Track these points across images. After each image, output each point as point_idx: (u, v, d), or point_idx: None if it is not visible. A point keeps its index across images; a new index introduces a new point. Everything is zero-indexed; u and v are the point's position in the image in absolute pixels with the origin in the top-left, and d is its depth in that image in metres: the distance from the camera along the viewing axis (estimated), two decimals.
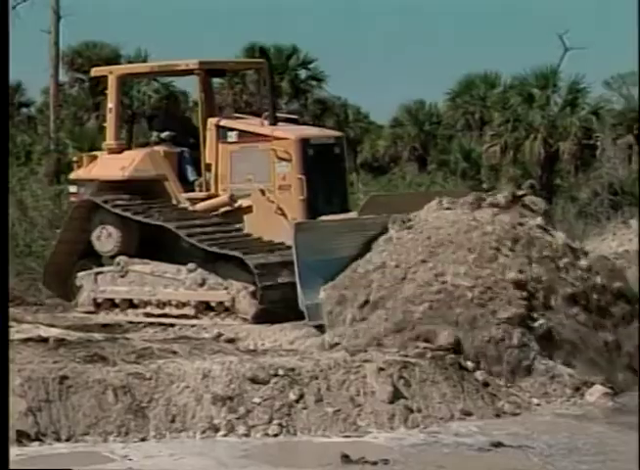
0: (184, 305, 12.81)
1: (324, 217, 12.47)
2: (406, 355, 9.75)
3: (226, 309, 12.60)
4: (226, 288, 12.62)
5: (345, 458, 7.84)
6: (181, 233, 12.82)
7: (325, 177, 13.07)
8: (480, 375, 9.91)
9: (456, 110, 37.49)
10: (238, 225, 13.15)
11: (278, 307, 12.10)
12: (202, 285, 12.80)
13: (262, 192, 12.98)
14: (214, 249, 12.60)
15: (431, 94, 47.18)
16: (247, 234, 13.04)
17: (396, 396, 9.18)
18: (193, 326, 12.58)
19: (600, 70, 49.14)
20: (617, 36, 57.18)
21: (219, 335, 11.76)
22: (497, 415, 9.44)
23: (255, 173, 13.07)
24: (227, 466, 7.91)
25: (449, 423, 9.00)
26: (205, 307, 12.77)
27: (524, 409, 9.63)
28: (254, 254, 12.42)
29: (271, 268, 12.23)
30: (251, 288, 12.38)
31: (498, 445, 8.33)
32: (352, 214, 12.66)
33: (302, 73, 34.66)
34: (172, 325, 12.73)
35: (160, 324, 12.85)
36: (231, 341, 11.46)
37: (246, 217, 13.14)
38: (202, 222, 13.10)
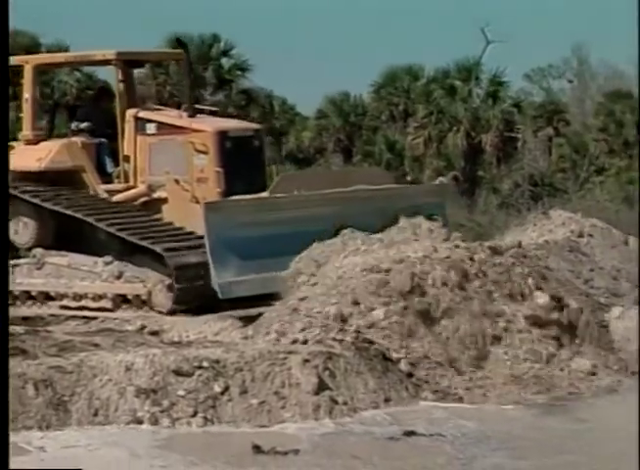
0: (101, 297, 12.73)
1: (234, 197, 12.51)
2: (331, 347, 9.76)
3: (143, 302, 12.56)
4: (143, 281, 12.58)
5: (256, 449, 7.84)
6: (91, 220, 12.77)
7: (243, 170, 13.10)
8: (404, 366, 9.96)
9: (380, 101, 37.66)
10: (157, 216, 13.16)
11: (195, 299, 12.15)
12: (119, 278, 12.73)
13: (177, 181, 13.00)
14: (132, 239, 12.57)
15: (355, 86, 47.32)
16: (166, 223, 13.04)
17: (321, 387, 9.18)
18: (116, 319, 12.47)
19: (521, 62, 49.73)
20: (538, 29, 57.94)
21: (143, 327, 11.68)
22: (420, 405, 9.49)
23: (174, 166, 13.09)
24: (139, 457, 7.86)
25: (369, 413, 9.03)
26: (122, 300, 12.70)
27: (448, 400, 9.70)
28: (172, 248, 12.42)
29: (189, 264, 12.25)
30: (168, 281, 12.37)
31: (410, 433, 8.38)
32: (264, 194, 12.70)
33: (226, 63, 34.47)
34: (94, 318, 12.61)
35: (83, 317, 12.72)
36: (155, 333, 11.39)
37: (164, 207, 13.15)
38: (119, 213, 13.06)
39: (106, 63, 13.79)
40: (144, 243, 12.44)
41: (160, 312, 12.33)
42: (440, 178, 15.44)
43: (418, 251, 11.67)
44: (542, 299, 11.56)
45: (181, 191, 12.92)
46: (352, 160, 36.39)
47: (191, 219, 12.59)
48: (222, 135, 12.98)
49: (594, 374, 10.82)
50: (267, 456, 7.72)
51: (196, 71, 33.36)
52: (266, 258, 11.89)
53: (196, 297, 12.12)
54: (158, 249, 12.31)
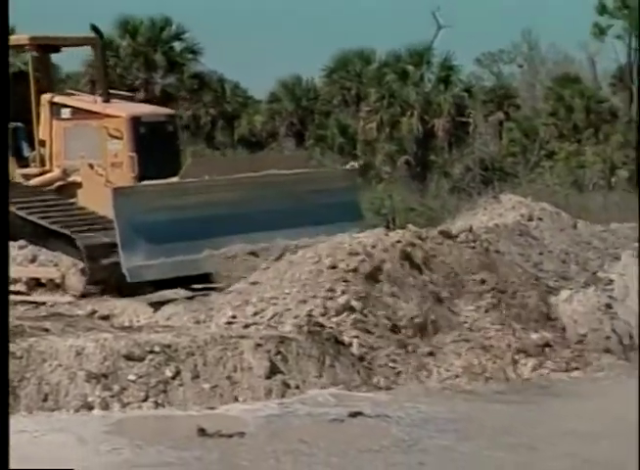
0: (16, 281, 12.74)
1: (144, 182, 12.67)
2: (283, 331, 9.77)
3: (57, 286, 12.61)
4: (56, 264, 12.64)
5: (202, 432, 7.84)
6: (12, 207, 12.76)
7: (157, 154, 13.25)
8: (356, 349, 10.00)
9: (333, 85, 37.64)
10: (71, 200, 13.29)
11: (108, 280, 12.25)
12: (33, 261, 12.77)
13: (91, 166, 13.11)
14: (43, 222, 12.63)
15: (307, 70, 47.24)
16: (79, 207, 13.14)
17: (273, 371, 9.19)
18: (66, 303, 12.43)
19: (471, 47, 49.91)
20: (489, 14, 58.16)
21: (93, 312, 11.62)
22: (372, 389, 9.53)
23: (88, 150, 13.26)
24: (86, 442, 7.82)
25: (319, 395, 9.06)
26: (36, 284, 12.74)
27: (399, 384, 9.75)
28: (82, 230, 12.52)
29: (99, 244, 12.35)
30: (81, 265, 12.45)
31: (356, 414, 8.41)
32: (174, 179, 12.85)
33: (178, 46, 34.26)
34: (44, 303, 12.55)
35: (33, 302, 12.65)
36: (105, 318, 11.33)
37: (78, 192, 13.26)
38: (33, 197, 13.12)
39: (20, 47, 13.78)
40: (54, 227, 12.56)
41: (74, 296, 12.39)
42: (352, 163, 15.68)
43: (369, 237, 11.71)
44: (488, 283, 11.66)
45: (95, 175, 13.09)
46: (305, 144, 36.37)
47: (104, 204, 12.67)
48: (136, 120, 13.16)
49: (542, 357, 10.94)
50: (212, 439, 7.71)
51: (147, 54, 33.11)
52: (176, 242, 12.10)
53: (108, 277, 12.23)
54: (67, 231, 12.43)
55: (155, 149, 13.17)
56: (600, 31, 37.25)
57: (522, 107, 39.32)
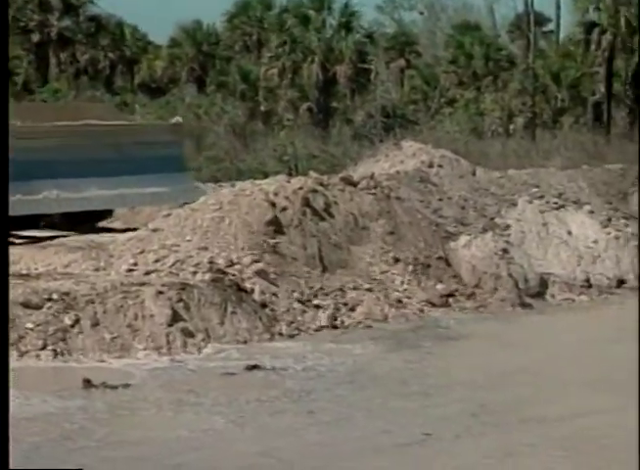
0: None
1: None
2: (185, 278, 9.73)
3: None
4: None
5: (87, 383, 7.76)
6: None
7: None
8: (258, 296, 10.00)
9: (234, 31, 37.28)
10: None
11: None
12: None
13: None
14: None
15: (208, 14, 46.57)
16: None
17: (175, 318, 9.15)
18: None
19: None
20: None
21: None
22: (274, 337, 9.56)
23: None
24: None
25: (219, 345, 9.04)
26: None
27: (302, 331, 9.79)
28: None
29: None
30: None
31: (254, 367, 8.38)
32: None
33: None
34: None
35: None
36: None
37: None
38: None
39: None
40: None
41: None
42: (177, 118, 15.89)
43: (271, 184, 11.69)
44: (389, 229, 11.77)
45: None
46: (206, 90, 35.99)
47: None
48: None
49: (444, 303, 11.11)
50: (97, 390, 7.63)
51: None
52: None
53: None
54: None
55: None
56: None
57: (422, 54, 39.50)
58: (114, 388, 7.73)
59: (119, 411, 7.11)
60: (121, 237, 11.44)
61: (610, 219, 13.48)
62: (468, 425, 6.78)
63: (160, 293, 9.26)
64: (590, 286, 12.63)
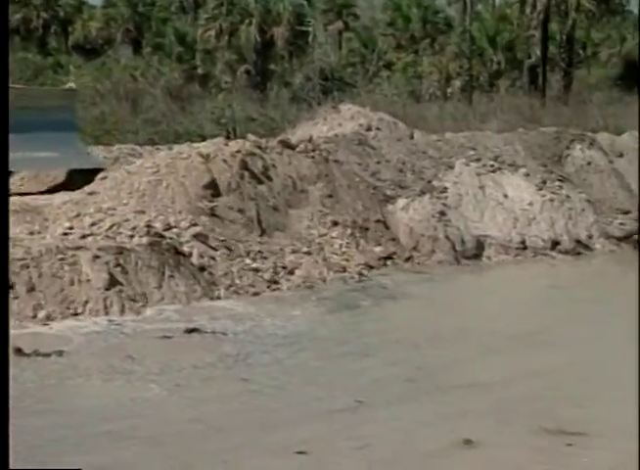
0: None
1: None
2: (123, 242, 9.65)
3: None
4: None
5: (18, 352, 7.58)
6: None
7: None
8: (196, 260, 9.97)
9: None
10: None
11: None
12: None
13: None
14: None
15: None
16: None
17: (112, 283, 9.08)
18: None
19: None
20: None
21: None
22: (213, 300, 9.54)
23: None
24: None
25: (158, 309, 8.99)
26: None
27: (240, 295, 9.79)
28: None
29: None
30: None
31: (192, 331, 8.35)
32: None
33: None
34: None
35: None
36: None
37: None
38: None
39: None
40: None
41: None
42: (70, 84, 15.96)
43: (208, 146, 11.63)
44: (327, 192, 11.79)
45: None
46: (142, 52, 35.57)
47: None
48: None
49: (382, 265, 11.18)
50: (29, 359, 7.48)
51: None
52: None
53: None
54: None
55: None
56: None
57: (360, 17, 39.41)
58: (47, 355, 7.60)
59: (49, 381, 6.97)
60: (57, 200, 11.31)
61: (545, 182, 13.64)
62: (402, 390, 6.80)
63: (97, 257, 9.17)
64: (525, 248, 12.79)
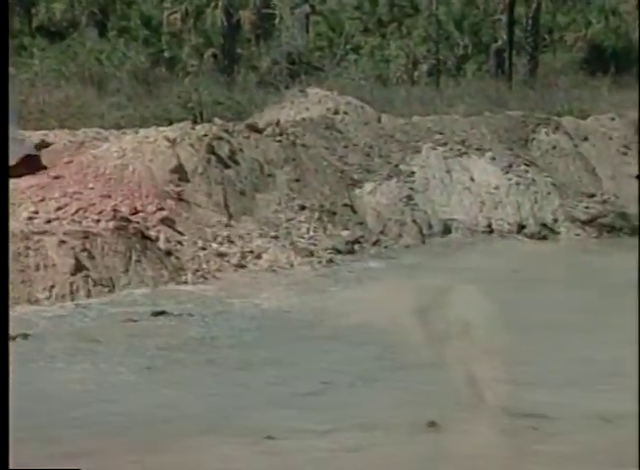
0: None
1: None
2: (89, 226, 9.61)
3: None
4: None
5: None
6: None
7: None
8: (162, 244, 9.94)
9: None
10: None
11: None
12: None
13: None
14: None
15: None
16: None
17: (79, 268, 9.04)
18: None
19: None
20: None
21: None
22: (180, 284, 9.53)
23: None
24: None
25: (125, 293, 8.96)
26: None
27: (208, 279, 9.77)
28: None
29: None
30: None
31: (159, 313, 8.33)
32: None
33: None
34: None
35: None
36: None
37: None
38: None
39: None
40: None
41: None
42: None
43: (175, 130, 11.59)
44: (295, 177, 11.79)
45: None
46: (108, 35, 35.33)
47: None
48: None
49: (347, 252, 11.20)
50: None
51: None
52: None
53: None
54: None
55: None
56: None
57: (327, 0, 39.31)
58: (13, 339, 7.57)
59: (12, 365, 6.90)
60: (22, 184, 11.23)
61: (511, 166, 13.70)
62: (368, 371, 6.82)
63: (63, 242, 9.13)
64: (492, 231, 12.86)
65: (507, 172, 13.58)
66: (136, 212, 10.24)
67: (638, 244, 12.97)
